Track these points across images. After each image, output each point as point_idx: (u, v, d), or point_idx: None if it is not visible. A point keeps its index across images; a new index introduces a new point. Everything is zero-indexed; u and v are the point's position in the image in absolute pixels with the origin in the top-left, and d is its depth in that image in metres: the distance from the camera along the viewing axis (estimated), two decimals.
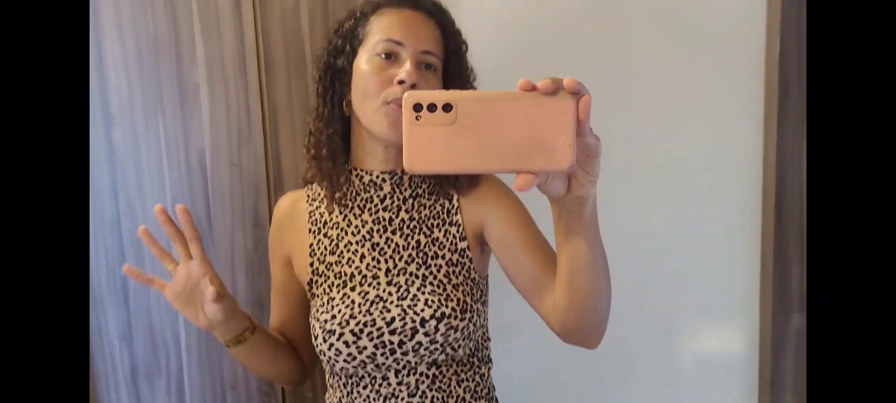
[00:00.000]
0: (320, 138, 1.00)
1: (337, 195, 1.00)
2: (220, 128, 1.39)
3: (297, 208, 1.07)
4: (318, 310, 0.97)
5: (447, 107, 0.56)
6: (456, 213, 0.98)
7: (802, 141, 1.33)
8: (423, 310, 0.91)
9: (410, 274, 0.95)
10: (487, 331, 1.03)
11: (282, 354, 1.05)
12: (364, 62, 0.93)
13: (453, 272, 0.95)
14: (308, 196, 1.07)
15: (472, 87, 1.01)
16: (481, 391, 1.00)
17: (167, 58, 1.38)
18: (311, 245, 1.02)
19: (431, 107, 0.56)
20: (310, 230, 1.04)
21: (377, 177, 0.99)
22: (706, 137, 1.38)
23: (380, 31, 0.93)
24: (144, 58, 1.39)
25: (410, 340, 0.91)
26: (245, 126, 1.39)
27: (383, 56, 0.91)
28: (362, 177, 1.00)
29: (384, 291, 0.94)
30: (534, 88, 0.56)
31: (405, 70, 0.89)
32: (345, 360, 0.92)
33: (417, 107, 0.57)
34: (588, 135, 0.58)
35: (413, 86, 0.89)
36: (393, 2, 0.96)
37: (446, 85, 0.96)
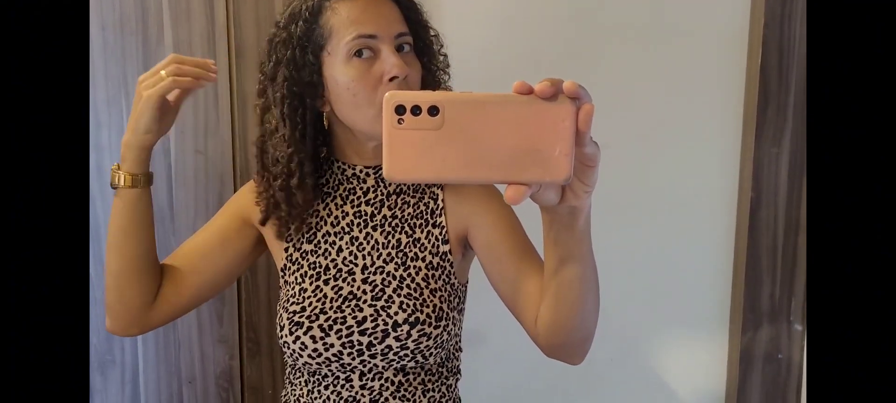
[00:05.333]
0: (289, 166, 0.88)
1: (306, 216, 0.93)
2: (187, 113, 1.34)
3: None
4: (287, 301, 0.93)
5: (433, 110, 0.51)
6: (440, 214, 0.93)
7: (777, 156, 1.33)
8: (396, 314, 0.88)
9: (387, 274, 0.91)
10: (460, 341, 1.00)
11: (149, 261, 0.92)
12: (340, 69, 0.84)
13: (432, 276, 0.92)
14: None
15: (445, 62, 0.96)
16: None
17: (133, 38, 1.33)
18: None
19: (415, 110, 0.51)
20: None
21: (360, 170, 0.94)
22: (684, 151, 1.38)
23: (344, 27, 0.84)
24: (109, 38, 1.33)
25: (380, 343, 0.88)
26: (212, 113, 1.34)
27: (359, 54, 0.84)
28: (345, 169, 0.95)
29: (358, 289, 0.90)
30: (530, 91, 0.50)
31: (392, 63, 0.82)
32: (309, 356, 0.89)
33: (400, 109, 0.51)
34: (588, 144, 0.54)
35: (405, 78, 0.83)
36: None
37: (420, 60, 0.90)
